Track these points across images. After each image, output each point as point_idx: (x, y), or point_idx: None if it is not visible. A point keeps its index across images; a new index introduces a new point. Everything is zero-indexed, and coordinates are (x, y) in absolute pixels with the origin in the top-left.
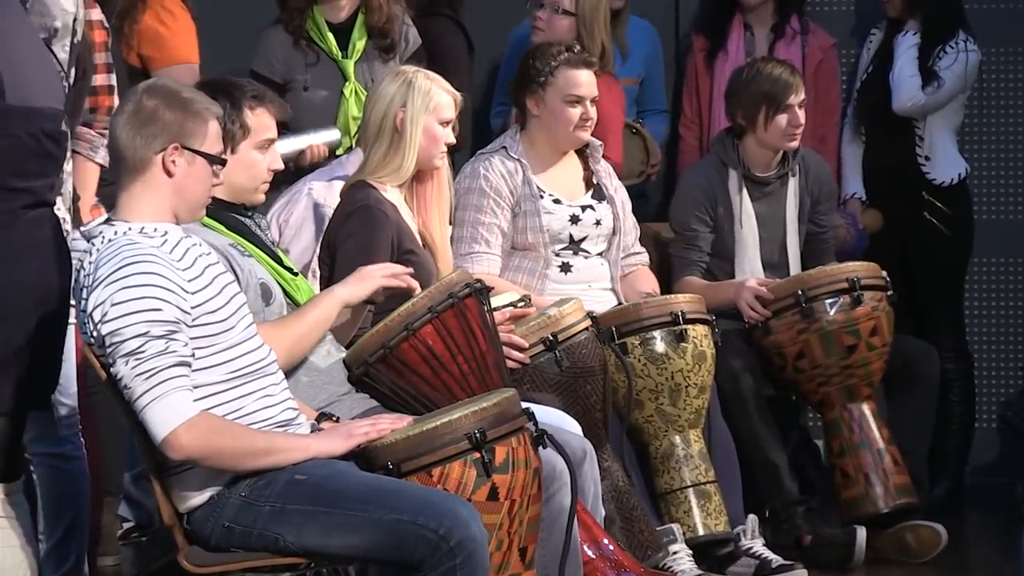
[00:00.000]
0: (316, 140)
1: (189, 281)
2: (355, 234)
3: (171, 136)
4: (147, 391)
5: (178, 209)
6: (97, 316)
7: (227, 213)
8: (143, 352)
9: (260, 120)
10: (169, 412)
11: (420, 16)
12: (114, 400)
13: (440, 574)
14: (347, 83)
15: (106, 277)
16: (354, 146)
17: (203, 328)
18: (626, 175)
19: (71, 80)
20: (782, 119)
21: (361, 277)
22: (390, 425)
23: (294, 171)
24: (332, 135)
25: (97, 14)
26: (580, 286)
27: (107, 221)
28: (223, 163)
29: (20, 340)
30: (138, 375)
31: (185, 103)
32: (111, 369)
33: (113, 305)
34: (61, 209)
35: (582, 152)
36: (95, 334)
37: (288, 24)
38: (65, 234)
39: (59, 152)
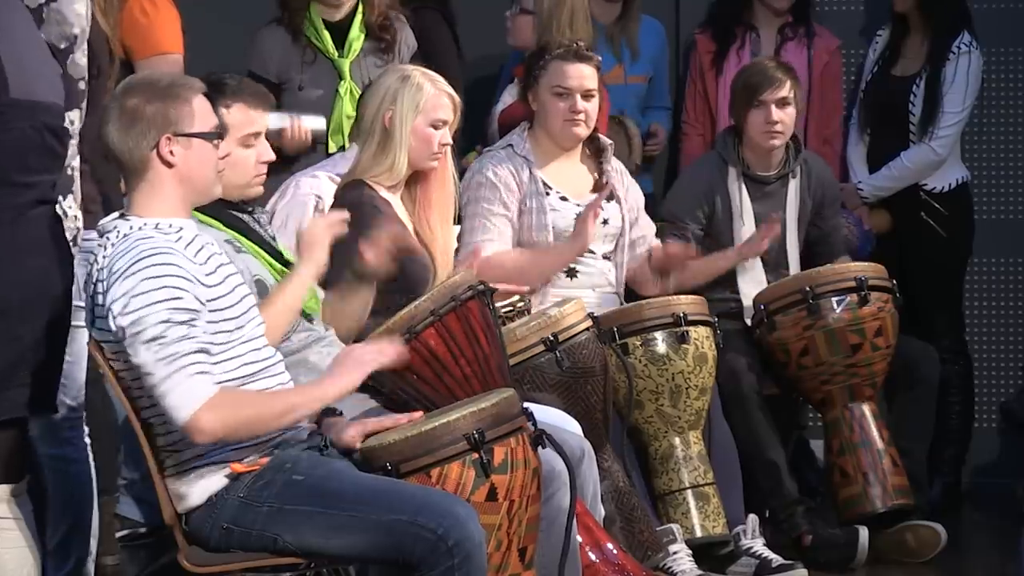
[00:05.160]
0: (300, 121)
1: (206, 276)
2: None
3: (159, 128)
4: (168, 376)
5: (190, 197)
6: (117, 308)
7: (225, 211)
8: (165, 337)
9: (237, 116)
10: (189, 396)
11: (408, 10)
12: (111, 398)
13: (438, 574)
14: (343, 82)
15: (124, 270)
16: (347, 145)
17: (215, 326)
18: None
19: (87, 79)
20: (757, 115)
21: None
22: (397, 421)
23: (284, 163)
24: (318, 122)
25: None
26: (584, 291)
27: (121, 216)
28: (221, 136)
29: (24, 339)
30: (159, 360)
31: (164, 91)
32: (132, 359)
33: (133, 297)
34: (72, 207)
35: (594, 151)
36: (113, 326)
37: (288, 23)
38: (77, 231)
39: (61, 148)
